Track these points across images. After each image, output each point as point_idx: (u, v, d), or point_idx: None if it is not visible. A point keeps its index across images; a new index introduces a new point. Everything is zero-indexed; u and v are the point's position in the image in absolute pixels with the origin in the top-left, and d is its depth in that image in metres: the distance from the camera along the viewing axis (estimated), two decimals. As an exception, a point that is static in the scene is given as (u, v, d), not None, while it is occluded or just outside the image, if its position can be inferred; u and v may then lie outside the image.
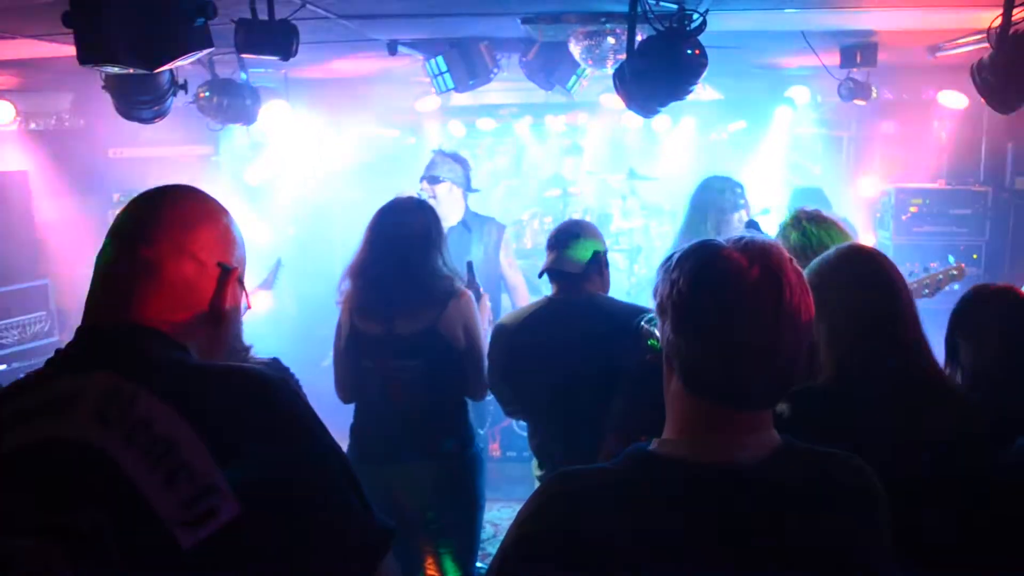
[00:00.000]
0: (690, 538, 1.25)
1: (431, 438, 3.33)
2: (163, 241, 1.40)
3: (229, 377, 1.31)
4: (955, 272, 4.19)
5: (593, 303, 3.21)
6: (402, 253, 3.29)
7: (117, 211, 1.50)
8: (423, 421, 3.31)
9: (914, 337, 2.03)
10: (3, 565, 1.13)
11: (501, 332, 3.31)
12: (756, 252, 1.31)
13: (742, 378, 1.30)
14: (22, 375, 1.36)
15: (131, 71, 2.94)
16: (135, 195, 1.49)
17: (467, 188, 4.94)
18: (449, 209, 4.77)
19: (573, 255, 3.23)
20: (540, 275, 3.36)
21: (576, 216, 7.03)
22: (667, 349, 1.36)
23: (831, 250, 2.14)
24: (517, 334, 3.24)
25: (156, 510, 1.15)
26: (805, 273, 2.02)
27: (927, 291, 4.10)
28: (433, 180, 4.80)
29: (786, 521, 1.27)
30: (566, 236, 3.28)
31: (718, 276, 1.29)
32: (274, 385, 1.31)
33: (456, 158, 4.92)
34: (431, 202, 4.65)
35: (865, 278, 2.05)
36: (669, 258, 1.39)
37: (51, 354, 1.37)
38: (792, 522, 1.28)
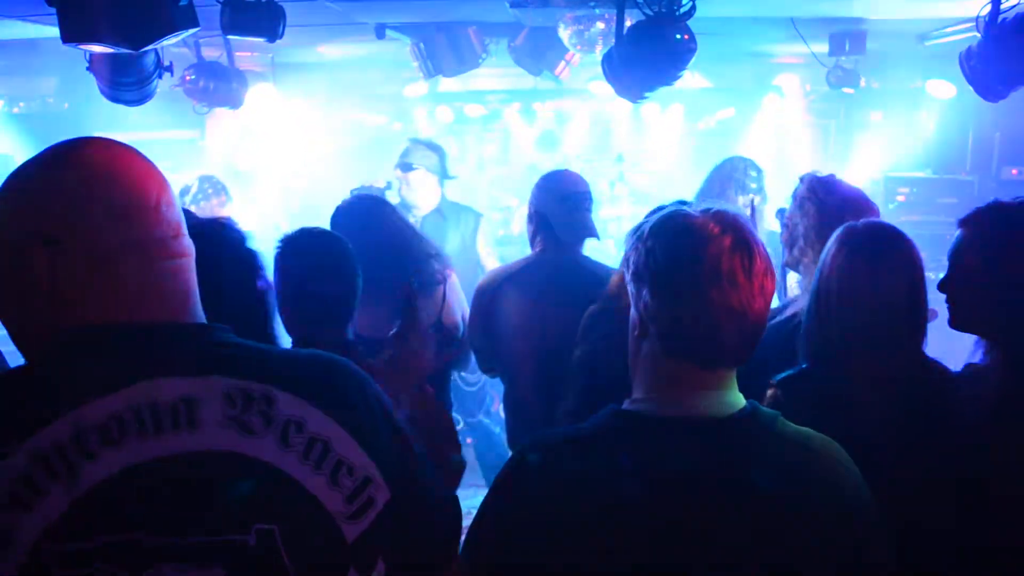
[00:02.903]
0: (659, 488, 1.33)
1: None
2: (177, 233, 1.21)
3: (324, 363, 1.26)
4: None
5: (579, 263, 3.14)
6: (393, 252, 3.15)
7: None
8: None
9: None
10: None
11: (486, 286, 3.24)
12: (728, 222, 1.37)
13: (720, 338, 1.37)
14: None
15: (115, 50, 2.92)
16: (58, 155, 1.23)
17: (443, 175, 4.87)
18: (423, 197, 4.74)
19: (593, 220, 3.14)
20: (576, 236, 3.13)
21: None
22: (644, 315, 1.41)
23: (862, 223, 2.09)
24: (502, 288, 3.17)
25: (328, 509, 1.13)
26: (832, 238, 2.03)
27: None
28: (406, 167, 4.75)
29: (752, 468, 1.34)
30: (589, 200, 3.13)
31: (694, 242, 1.36)
32: (354, 368, 1.28)
33: (431, 146, 4.86)
34: (404, 189, 4.71)
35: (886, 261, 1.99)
36: (639, 227, 1.45)
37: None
38: (757, 470, 1.34)
